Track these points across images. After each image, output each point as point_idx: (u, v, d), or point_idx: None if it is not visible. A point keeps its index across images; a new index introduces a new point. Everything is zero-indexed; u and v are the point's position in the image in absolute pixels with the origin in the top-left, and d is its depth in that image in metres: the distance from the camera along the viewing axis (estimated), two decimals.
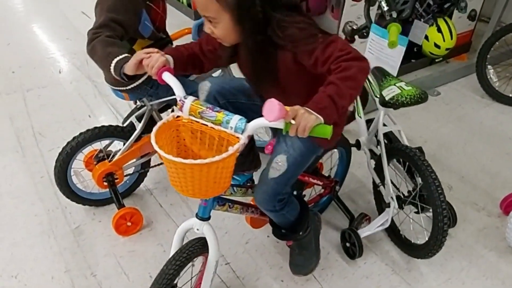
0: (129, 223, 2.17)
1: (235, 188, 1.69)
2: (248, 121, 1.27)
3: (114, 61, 1.59)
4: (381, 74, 2.04)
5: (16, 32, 4.40)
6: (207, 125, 1.33)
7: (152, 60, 1.39)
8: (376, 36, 2.04)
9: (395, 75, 2.08)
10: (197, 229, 1.53)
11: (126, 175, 2.30)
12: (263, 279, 1.97)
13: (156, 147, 1.22)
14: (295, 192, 1.90)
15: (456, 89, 3.47)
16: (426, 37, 3.45)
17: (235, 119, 1.28)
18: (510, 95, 3.29)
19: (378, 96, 1.99)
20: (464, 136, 2.94)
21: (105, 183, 2.22)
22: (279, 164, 1.56)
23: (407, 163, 2.00)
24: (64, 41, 4.17)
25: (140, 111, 2.22)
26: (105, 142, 2.25)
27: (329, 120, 1.19)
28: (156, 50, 1.43)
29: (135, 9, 1.88)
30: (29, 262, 2.05)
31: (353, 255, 2.03)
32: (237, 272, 2.00)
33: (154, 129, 1.31)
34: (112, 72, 1.59)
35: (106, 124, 2.15)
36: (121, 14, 1.80)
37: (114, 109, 3.12)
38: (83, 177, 2.27)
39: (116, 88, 2.07)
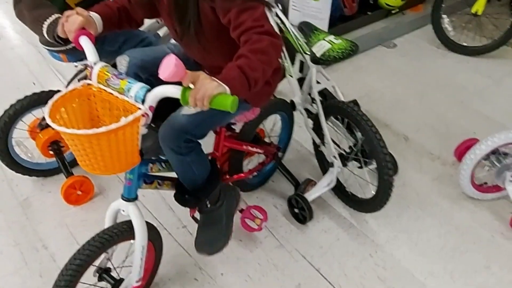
0: (79, 192, 2.08)
1: (163, 164, 1.54)
2: None
3: (45, 25, 1.47)
4: (309, 29, 1.93)
5: None
6: (113, 94, 1.24)
7: (69, 24, 1.31)
8: None
9: (326, 28, 1.98)
10: (123, 211, 1.42)
11: None
12: None
13: (48, 119, 1.12)
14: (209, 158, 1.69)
15: (412, 40, 3.46)
16: None
17: (136, 87, 1.20)
18: (465, 44, 3.30)
19: (308, 53, 1.89)
20: (420, 87, 2.95)
21: (51, 152, 2.12)
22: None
23: (346, 119, 1.94)
24: (2, 4, 3.89)
25: (83, 73, 2.10)
26: None
27: (237, 92, 1.10)
28: (76, 11, 1.32)
29: None
30: None
31: (303, 220, 2.00)
32: (194, 234, 1.96)
33: (54, 97, 1.21)
34: (46, 36, 1.47)
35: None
36: None
37: (61, 74, 2.95)
38: (27, 147, 2.15)
39: (51, 49, 1.93)
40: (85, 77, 2.03)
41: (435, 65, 3.19)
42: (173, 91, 1.11)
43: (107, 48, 1.92)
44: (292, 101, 2.12)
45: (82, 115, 1.31)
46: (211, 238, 1.67)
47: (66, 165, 2.11)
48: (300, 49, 1.95)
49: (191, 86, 1.06)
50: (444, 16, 3.34)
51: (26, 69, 3.04)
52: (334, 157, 1.98)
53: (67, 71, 2.91)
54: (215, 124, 1.55)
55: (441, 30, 3.33)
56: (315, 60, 1.83)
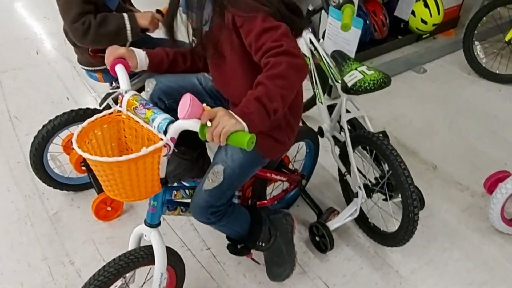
0: (109, 208, 2.12)
1: (187, 191, 1.55)
2: None
3: (128, 31, 1.73)
4: (342, 59, 1.92)
5: None
6: (139, 123, 1.29)
7: (110, 49, 1.42)
8: (333, 19, 1.91)
9: None
10: (145, 236, 1.44)
11: None
12: (244, 264, 1.94)
13: (74, 144, 1.17)
14: (237, 201, 1.76)
15: (442, 66, 3.42)
16: (413, 13, 3.38)
17: (159, 118, 1.22)
18: (497, 72, 3.25)
19: (339, 81, 1.88)
20: (450, 114, 2.91)
21: (83, 168, 2.17)
22: (215, 176, 1.42)
23: (374, 151, 1.92)
24: (42, 20, 4.04)
25: (117, 92, 2.16)
26: None
27: (256, 127, 1.10)
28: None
29: None
30: (5, 249, 2.01)
31: (324, 249, 1.97)
32: (218, 257, 1.97)
33: (83, 124, 1.26)
34: (131, 39, 1.75)
35: (84, 106, 2.08)
36: None
37: (94, 90, 3.03)
38: (60, 162, 2.21)
39: (88, 68, 1.99)
40: (117, 99, 2.15)
41: (466, 92, 3.14)
42: (193, 125, 1.13)
43: None
44: (320, 128, 2.12)
45: (111, 140, 1.35)
46: (279, 268, 1.80)
47: (97, 181, 2.14)
48: (332, 77, 1.96)
49: (209, 124, 1.07)
50: (476, 42, 3.30)
51: (61, 84, 3.13)
52: (359, 187, 1.94)
53: (100, 87, 2.99)
54: (235, 189, 1.58)
55: (473, 57, 3.29)
56: (346, 89, 1.83)
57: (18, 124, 2.74)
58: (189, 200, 1.53)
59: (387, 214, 2.02)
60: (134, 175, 1.19)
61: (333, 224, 1.98)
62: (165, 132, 1.21)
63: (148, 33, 1.93)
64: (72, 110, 2.05)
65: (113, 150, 1.35)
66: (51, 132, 2.04)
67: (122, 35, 1.76)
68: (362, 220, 2.08)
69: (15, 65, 3.36)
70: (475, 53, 3.29)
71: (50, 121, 2.04)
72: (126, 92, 1.33)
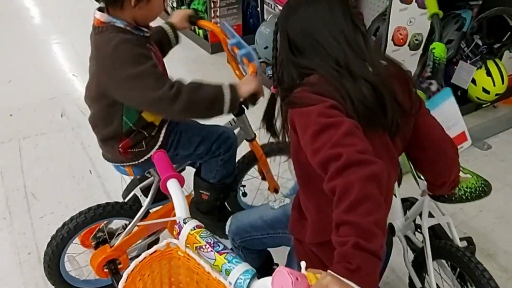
0: None
1: None
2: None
3: (226, 99, 1.41)
4: None
5: (18, 66, 4.06)
6: (204, 268, 0.94)
7: None
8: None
9: None
10: None
11: (130, 258, 1.91)
12: None
13: None
14: None
15: (509, 141, 3.03)
16: (473, 81, 3.03)
17: (237, 272, 0.88)
18: None
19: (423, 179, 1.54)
20: None
21: (106, 270, 1.85)
22: None
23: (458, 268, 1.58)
24: (69, 78, 3.85)
25: (145, 182, 1.88)
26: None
27: (369, 283, 0.81)
28: None
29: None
30: None
31: None
32: None
33: (133, 264, 0.94)
34: (227, 111, 1.44)
35: (107, 183, 1.80)
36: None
37: None
38: (78, 263, 1.90)
39: (117, 164, 1.71)
40: (148, 187, 1.86)
41: None
42: None
43: (182, 153, 1.72)
44: (390, 225, 1.76)
45: (161, 281, 1.03)
46: None
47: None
48: (415, 172, 1.63)
49: None
50: None
51: (84, 154, 2.87)
52: None
53: None
54: None
55: None
56: (436, 195, 1.50)
57: (34, 203, 2.46)
58: None
59: None
60: None
61: None
62: None
63: None
64: (99, 206, 1.77)
65: None
66: (73, 232, 1.76)
67: (218, 104, 1.43)
68: None
69: (37, 129, 3.12)
70: None
71: (72, 219, 1.76)
72: (184, 221, 0.99)
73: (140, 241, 1.92)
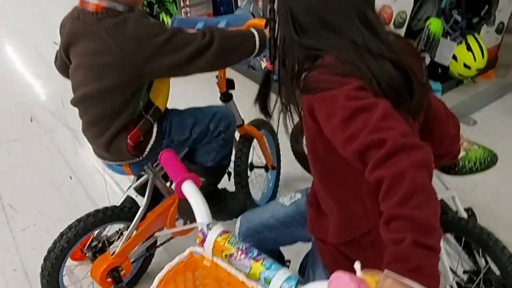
0: None
1: None
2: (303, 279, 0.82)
3: (256, 36, 1.51)
4: None
5: None
6: (237, 278, 0.85)
7: None
8: None
9: None
10: None
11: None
12: None
13: None
14: None
15: (493, 115, 3.04)
16: (454, 57, 3.04)
17: (279, 279, 0.79)
18: None
19: None
20: None
21: (109, 280, 1.73)
22: None
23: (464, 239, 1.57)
24: (34, 79, 3.64)
25: (139, 181, 1.77)
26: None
27: (433, 278, 0.72)
28: None
29: None
30: None
31: None
32: None
33: (154, 282, 0.87)
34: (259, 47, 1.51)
35: (90, 189, 1.68)
36: None
37: (100, 166, 2.60)
38: (77, 277, 1.76)
39: (112, 163, 1.60)
40: (143, 186, 1.74)
41: None
42: None
43: (177, 139, 1.64)
44: None
45: None
46: None
47: None
48: None
49: None
50: None
51: (61, 159, 2.70)
52: (451, 287, 1.56)
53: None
54: None
55: None
56: (444, 167, 1.46)
57: (13, 215, 2.29)
58: None
59: None
60: None
61: None
62: None
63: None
64: (97, 211, 1.66)
65: None
66: (73, 242, 1.63)
67: (250, 39, 1.51)
68: None
69: (8, 136, 2.93)
70: None
71: (70, 228, 1.62)
72: (208, 227, 0.89)
73: (140, 244, 1.81)
